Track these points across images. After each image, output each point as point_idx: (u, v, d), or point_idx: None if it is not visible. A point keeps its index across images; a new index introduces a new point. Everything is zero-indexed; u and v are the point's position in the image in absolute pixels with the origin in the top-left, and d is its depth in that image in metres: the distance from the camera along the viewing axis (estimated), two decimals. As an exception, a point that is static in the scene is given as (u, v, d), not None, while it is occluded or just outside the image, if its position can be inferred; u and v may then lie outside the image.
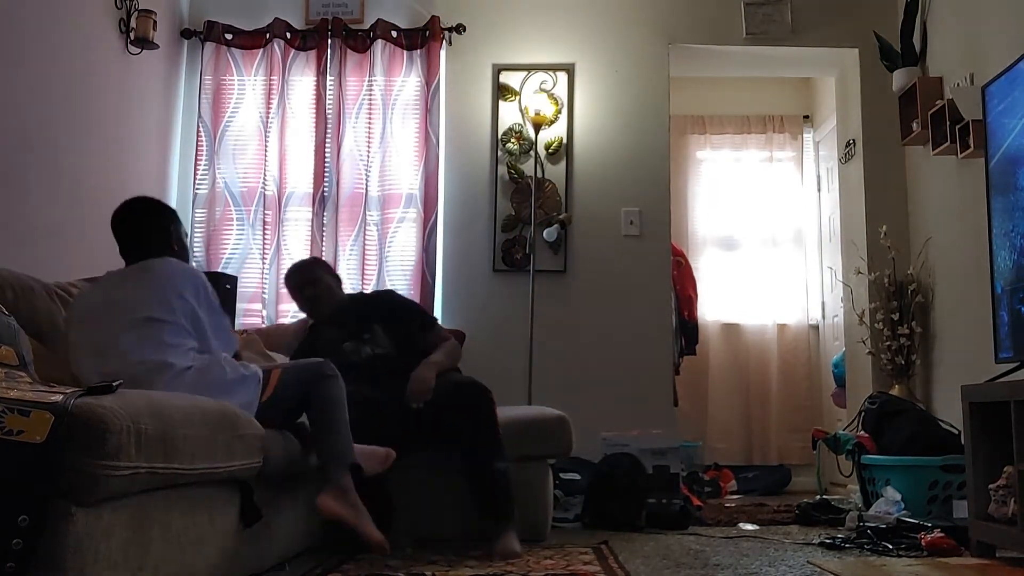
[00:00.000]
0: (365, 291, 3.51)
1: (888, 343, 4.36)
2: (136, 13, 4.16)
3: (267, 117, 4.69)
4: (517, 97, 4.76)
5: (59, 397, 1.58)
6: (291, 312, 4.57)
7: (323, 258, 4.37)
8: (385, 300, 3.48)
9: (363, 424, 2.74)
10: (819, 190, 6.03)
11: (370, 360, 3.22)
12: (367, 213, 4.63)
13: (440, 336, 3.37)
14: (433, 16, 4.74)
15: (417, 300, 4.53)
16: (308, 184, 4.65)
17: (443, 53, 4.75)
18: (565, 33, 4.81)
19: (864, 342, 4.55)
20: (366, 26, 4.77)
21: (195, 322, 2.47)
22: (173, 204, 4.68)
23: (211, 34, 4.74)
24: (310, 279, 3.42)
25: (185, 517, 1.94)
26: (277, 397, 2.52)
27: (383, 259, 4.59)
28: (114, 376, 2.17)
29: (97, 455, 1.53)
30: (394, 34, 4.74)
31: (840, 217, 5.15)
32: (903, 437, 3.67)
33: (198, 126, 4.70)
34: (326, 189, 4.61)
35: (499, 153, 4.73)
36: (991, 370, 3.08)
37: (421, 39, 4.73)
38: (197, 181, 4.66)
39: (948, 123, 3.90)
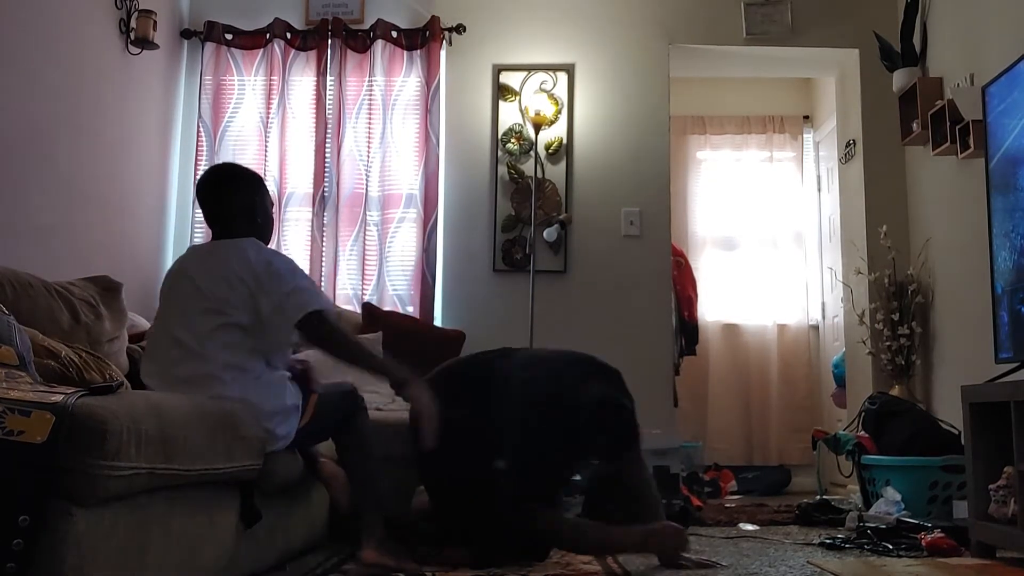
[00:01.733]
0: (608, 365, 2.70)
1: (888, 343, 4.36)
2: (136, 13, 4.16)
3: (267, 117, 4.69)
4: (517, 97, 4.76)
5: (60, 397, 1.58)
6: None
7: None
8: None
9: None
10: (819, 190, 6.03)
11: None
12: (367, 213, 4.63)
13: None
14: (433, 16, 4.74)
15: (417, 300, 4.53)
16: (308, 184, 4.65)
17: (443, 53, 4.75)
18: (565, 33, 4.81)
19: (864, 342, 4.55)
20: (366, 26, 4.76)
21: (255, 317, 2.35)
22: (173, 204, 4.70)
23: (211, 34, 4.74)
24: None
25: (185, 518, 1.94)
26: (313, 426, 2.50)
27: (383, 260, 4.59)
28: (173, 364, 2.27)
29: (97, 456, 1.53)
30: (394, 34, 4.73)
31: (840, 217, 5.15)
32: (903, 437, 3.67)
33: (198, 126, 4.70)
34: (326, 189, 4.61)
35: (499, 153, 4.73)
36: (991, 370, 3.08)
37: (421, 39, 4.73)
38: (197, 181, 4.65)
39: (948, 123, 3.89)
